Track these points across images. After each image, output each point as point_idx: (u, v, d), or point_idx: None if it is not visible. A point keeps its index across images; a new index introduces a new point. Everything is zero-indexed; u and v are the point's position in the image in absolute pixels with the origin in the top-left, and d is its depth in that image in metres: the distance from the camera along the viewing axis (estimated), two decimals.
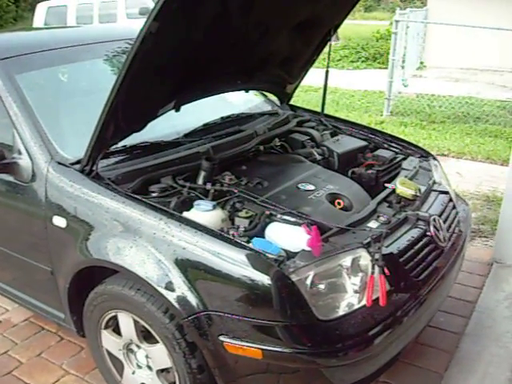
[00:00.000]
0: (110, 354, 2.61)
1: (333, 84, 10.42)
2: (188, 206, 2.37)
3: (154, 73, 2.31)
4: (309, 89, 10.17)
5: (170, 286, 2.13)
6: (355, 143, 3.33)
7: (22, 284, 3.02)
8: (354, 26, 19.85)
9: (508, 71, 12.06)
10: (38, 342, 3.21)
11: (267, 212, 2.33)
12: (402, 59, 9.68)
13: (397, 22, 8.65)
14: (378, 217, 2.48)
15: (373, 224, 2.42)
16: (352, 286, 2.16)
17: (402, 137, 3.67)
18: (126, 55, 2.10)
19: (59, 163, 2.51)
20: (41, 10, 13.61)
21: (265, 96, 3.81)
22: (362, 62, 15.22)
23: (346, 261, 2.17)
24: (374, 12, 34.86)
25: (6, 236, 2.91)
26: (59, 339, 3.23)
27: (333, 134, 3.47)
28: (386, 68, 9.08)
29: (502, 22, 8.47)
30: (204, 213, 2.29)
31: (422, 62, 13.76)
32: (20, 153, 2.59)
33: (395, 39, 8.57)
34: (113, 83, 2.16)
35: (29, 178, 2.57)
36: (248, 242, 2.15)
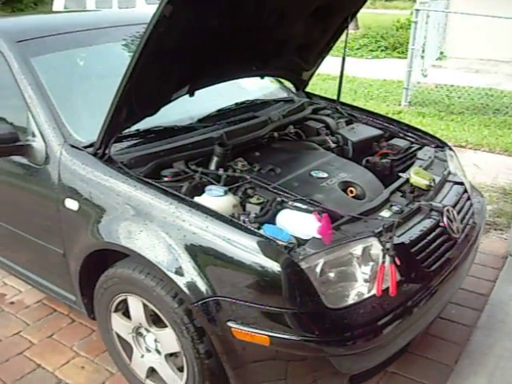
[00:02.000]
0: (119, 337, 2.62)
1: (351, 73, 10.35)
2: (200, 191, 2.37)
3: (168, 57, 2.30)
4: (327, 77, 10.10)
5: (179, 271, 2.13)
6: (370, 132, 3.30)
7: (34, 266, 3.05)
8: (375, 15, 19.63)
9: None
10: (49, 324, 3.24)
11: (279, 199, 2.32)
12: (421, 49, 9.56)
13: (417, 10, 8.54)
14: (391, 206, 2.46)
15: (385, 213, 2.40)
16: (362, 275, 2.14)
17: (419, 127, 3.62)
18: (140, 39, 2.09)
19: (72, 146, 2.52)
20: None
21: (280, 83, 3.79)
22: (382, 51, 15.07)
23: (357, 249, 2.15)
24: (394, 1, 34.49)
25: (19, 218, 2.93)
26: (70, 321, 3.26)
27: (348, 122, 3.44)
28: (406, 58, 8.98)
29: None
30: (215, 198, 2.29)
31: (441, 52, 13.58)
32: (34, 135, 2.61)
33: (415, 28, 8.46)
34: (126, 67, 2.16)
35: (42, 161, 2.58)
36: (259, 228, 2.14)
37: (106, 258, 2.50)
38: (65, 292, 2.85)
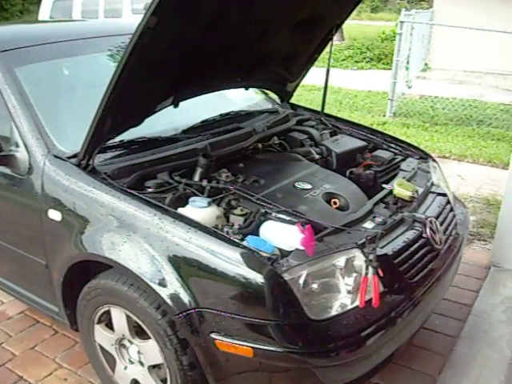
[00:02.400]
0: (102, 348, 2.60)
1: (336, 84, 10.41)
2: (183, 202, 2.36)
3: (152, 68, 2.30)
4: (312, 88, 10.15)
5: (162, 282, 2.12)
6: (354, 143, 3.32)
7: (16, 277, 3.02)
8: (360, 27, 19.83)
9: None
10: (32, 335, 3.20)
11: (262, 210, 2.32)
12: (406, 60, 9.64)
13: (402, 22, 8.63)
14: (374, 217, 2.47)
15: (368, 224, 2.41)
16: (345, 287, 2.15)
17: (404, 138, 3.67)
18: (124, 50, 2.09)
19: (56, 156, 2.50)
20: (46, 4, 13.58)
21: (265, 94, 3.80)
22: (367, 62, 15.20)
23: (340, 261, 2.16)
24: (380, 13, 34.82)
25: (1, 228, 2.90)
26: (53, 333, 3.23)
27: (332, 134, 3.45)
28: (391, 69, 9.05)
29: (508, 24, 8.44)
30: (199, 209, 2.29)
31: (426, 64, 13.72)
32: (17, 145, 2.59)
33: (400, 40, 8.56)
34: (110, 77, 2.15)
35: (25, 171, 2.57)
36: (242, 239, 2.14)
37: (88, 269, 2.48)
38: (47, 303, 2.82)
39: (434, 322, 3.17)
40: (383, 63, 14.71)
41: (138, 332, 2.40)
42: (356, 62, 15.26)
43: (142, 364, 2.47)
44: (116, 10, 12.29)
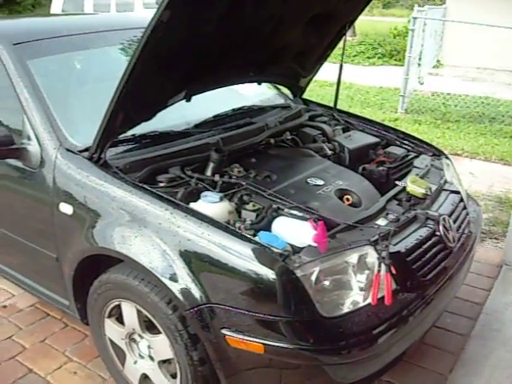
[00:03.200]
0: (112, 342, 2.60)
1: (348, 79, 10.36)
2: (195, 197, 2.35)
3: (165, 62, 2.28)
4: (324, 84, 10.11)
5: (173, 277, 2.12)
6: (367, 139, 3.30)
7: (27, 270, 3.03)
8: (372, 22, 19.76)
9: None
10: (42, 328, 3.21)
11: (274, 206, 2.31)
12: (418, 57, 9.60)
13: (414, 18, 8.57)
14: (387, 214, 2.45)
15: (381, 221, 2.39)
16: (357, 284, 2.14)
17: (415, 135, 3.62)
18: (137, 43, 2.08)
19: (68, 150, 2.50)
20: None
21: (278, 89, 3.78)
22: (379, 58, 15.13)
23: (353, 258, 2.14)
24: (392, 9, 34.65)
25: (13, 221, 2.91)
26: (63, 326, 3.24)
27: (345, 130, 3.43)
28: (403, 65, 9.00)
29: None
30: (211, 204, 2.28)
31: (438, 61, 13.64)
32: (29, 138, 2.59)
33: (412, 36, 8.50)
34: (123, 71, 2.14)
35: (37, 164, 2.56)
36: (254, 235, 2.13)
37: (99, 263, 2.48)
38: (58, 297, 2.82)
39: (446, 321, 3.15)
40: (395, 59, 14.63)
41: (149, 326, 2.40)
42: (368, 57, 15.20)
43: (151, 359, 2.47)
44: (128, 3, 12.32)
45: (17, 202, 2.80)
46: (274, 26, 2.75)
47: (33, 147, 2.57)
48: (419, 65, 9.86)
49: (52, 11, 13.61)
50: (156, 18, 1.99)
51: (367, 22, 19.33)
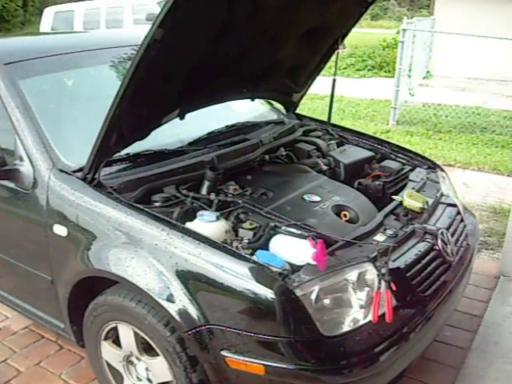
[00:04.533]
0: (109, 365, 2.57)
1: (339, 92, 10.30)
2: (191, 216, 2.33)
3: (159, 80, 2.27)
4: (315, 97, 10.14)
5: (171, 299, 2.09)
6: (362, 154, 3.29)
7: (21, 292, 2.98)
8: (361, 35, 19.80)
9: None
10: (37, 351, 3.16)
11: (272, 224, 2.29)
12: (408, 68, 9.63)
13: (404, 30, 8.62)
14: (385, 230, 2.44)
15: (379, 237, 2.38)
16: (358, 301, 2.11)
17: (407, 146, 3.63)
18: (130, 62, 2.07)
19: (61, 170, 2.47)
20: (48, 15, 13.64)
21: (271, 104, 3.77)
22: (369, 70, 15.18)
23: (352, 275, 2.12)
24: (380, 20, 34.84)
25: (6, 243, 2.87)
26: (59, 348, 3.19)
27: (339, 144, 3.43)
28: (393, 77, 9.04)
29: (509, 31, 8.42)
30: (207, 224, 2.25)
31: (428, 72, 13.71)
32: (21, 159, 2.56)
33: (402, 48, 8.54)
34: (116, 90, 2.13)
35: (30, 185, 2.53)
36: (252, 254, 2.11)
37: (95, 285, 2.44)
38: (53, 319, 2.78)
39: (445, 334, 3.12)
40: (385, 71, 14.69)
41: (146, 349, 2.36)
42: (358, 69, 15.25)
43: (150, 381, 2.43)
44: (117, 20, 12.34)
45: (10, 223, 2.76)
46: (268, 42, 2.75)
47: (25, 168, 2.54)
48: (409, 76, 9.90)
49: (41, 29, 13.63)
50: (149, 36, 1.98)
51: (356, 34, 19.38)
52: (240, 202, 2.45)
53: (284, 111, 3.74)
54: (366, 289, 2.13)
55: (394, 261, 2.26)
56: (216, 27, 2.33)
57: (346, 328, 2.07)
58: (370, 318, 2.09)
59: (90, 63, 3.09)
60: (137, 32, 3.66)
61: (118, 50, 3.23)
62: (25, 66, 2.82)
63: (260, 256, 2.08)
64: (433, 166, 3.27)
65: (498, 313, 3.39)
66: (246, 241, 2.22)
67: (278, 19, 2.63)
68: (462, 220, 2.89)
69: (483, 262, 4.05)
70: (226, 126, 3.18)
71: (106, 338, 2.50)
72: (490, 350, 3.04)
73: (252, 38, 2.65)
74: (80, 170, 2.44)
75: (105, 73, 3.18)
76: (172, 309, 2.08)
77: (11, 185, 2.62)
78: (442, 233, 2.52)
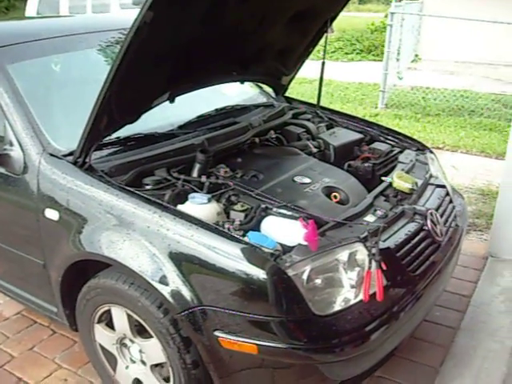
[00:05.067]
0: (103, 348, 2.58)
1: (327, 76, 10.26)
2: (182, 198, 2.34)
3: (149, 63, 2.27)
4: (303, 81, 10.12)
5: (164, 280, 2.10)
6: (351, 136, 3.30)
7: (13, 277, 2.99)
8: (349, 18, 19.75)
9: (503, 65, 12.02)
10: (30, 336, 3.17)
11: (263, 205, 2.30)
12: (396, 52, 9.64)
13: (392, 14, 8.62)
14: (375, 211, 2.46)
15: (370, 218, 2.40)
16: (349, 281, 2.13)
17: (396, 129, 3.64)
18: (120, 45, 2.06)
19: (51, 155, 2.47)
20: (33, 0, 13.47)
21: (260, 88, 3.77)
22: (357, 54, 15.16)
23: (343, 255, 2.14)
24: (368, 4, 34.76)
25: None
26: (51, 333, 3.20)
27: (329, 127, 3.44)
28: (381, 60, 9.05)
29: (498, 15, 8.43)
30: (199, 206, 2.26)
31: (416, 55, 13.71)
32: (11, 144, 2.55)
33: (390, 31, 8.54)
34: (106, 74, 2.12)
35: (20, 170, 2.53)
36: (243, 235, 2.12)
37: (87, 268, 2.45)
38: (45, 303, 2.79)
39: (435, 314, 3.16)
40: (373, 55, 14.68)
41: (140, 331, 2.38)
42: (346, 53, 15.22)
43: (143, 363, 2.45)
44: (104, 4, 12.19)
45: (1, 209, 2.75)
46: (257, 24, 2.75)
47: (15, 153, 2.53)
48: (398, 60, 9.91)
49: (27, 14, 13.46)
50: (139, 19, 1.97)
51: (344, 18, 19.24)
52: (231, 184, 2.46)
53: (273, 94, 3.74)
54: (357, 269, 2.15)
55: (384, 241, 2.28)
56: (205, 10, 2.32)
57: (337, 307, 2.09)
58: (360, 297, 2.12)
59: (79, 47, 3.06)
60: (124, 16, 3.64)
61: (106, 34, 3.20)
62: (13, 50, 2.80)
63: (252, 237, 2.09)
64: (422, 148, 3.29)
65: (487, 293, 3.43)
66: (238, 222, 2.22)
67: (267, 2, 2.63)
68: (450, 201, 2.92)
69: (472, 243, 4.10)
70: (216, 110, 3.18)
71: (99, 321, 2.51)
72: (479, 329, 3.08)
73: (241, 21, 2.64)
74: (70, 154, 2.43)
75: (94, 57, 3.16)
76: (165, 290, 2.09)
77: (1, 170, 2.61)
78: (431, 213, 2.54)
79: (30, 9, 13.24)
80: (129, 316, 2.35)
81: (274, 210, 2.27)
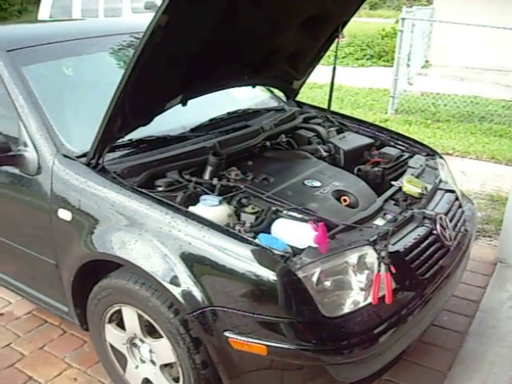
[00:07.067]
0: (113, 348, 2.60)
1: (337, 81, 10.30)
2: (194, 200, 2.36)
3: (162, 67, 2.30)
4: (314, 86, 10.14)
5: (175, 281, 2.12)
6: (361, 140, 3.32)
7: (25, 277, 3.02)
8: (359, 24, 19.75)
9: None
10: (40, 335, 3.20)
11: (273, 208, 2.32)
12: (407, 57, 9.65)
13: (403, 19, 8.62)
14: (385, 214, 2.47)
15: (379, 222, 2.41)
16: (358, 284, 2.15)
17: (406, 135, 3.65)
18: (134, 49, 2.09)
19: (65, 156, 2.50)
20: (46, 3, 13.55)
21: (271, 92, 3.80)
22: (367, 59, 15.17)
23: (353, 258, 2.16)
24: (379, 10, 34.78)
25: (10, 229, 2.90)
26: (62, 332, 3.23)
27: (339, 131, 3.45)
28: (391, 66, 9.06)
29: (508, 21, 8.43)
30: (210, 208, 2.28)
31: (427, 61, 13.72)
32: (26, 145, 2.58)
33: (401, 37, 8.55)
34: (120, 76, 2.15)
35: (34, 171, 2.56)
36: (254, 237, 2.14)
37: (99, 268, 2.48)
38: (57, 303, 2.82)
39: (443, 319, 3.16)
40: (384, 60, 14.68)
41: (150, 331, 2.40)
42: (357, 59, 15.24)
43: (153, 363, 2.47)
44: (116, 8, 12.27)
45: (14, 209, 2.79)
46: (269, 28, 2.77)
47: (29, 154, 2.57)
48: (408, 65, 9.91)
49: (40, 17, 13.56)
50: (154, 22, 2.00)
51: (355, 24, 19.28)
52: (242, 186, 2.48)
53: (284, 98, 3.76)
54: (366, 271, 2.17)
55: (393, 244, 2.29)
56: (219, 14, 2.35)
57: (346, 310, 2.11)
58: (370, 300, 2.13)
59: (92, 50, 3.11)
60: (136, 20, 3.67)
61: (118, 38, 3.25)
62: (28, 52, 2.84)
63: (262, 239, 2.11)
64: (431, 153, 3.30)
65: (495, 298, 3.43)
66: (249, 224, 2.24)
67: (280, 6, 2.65)
68: (460, 206, 2.93)
69: (481, 248, 4.09)
70: (228, 113, 3.21)
71: (110, 321, 2.54)
72: (488, 335, 3.08)
73: (254, 25, 2.66)
74: (84, 155, 2.46)
75: (106, 60, 3.21)
76: (176, 291, 2.11)
77: (16, 171, 2.64)
78: (440, 218, 2.55)
79: (43, 12, 13.34)
80: (139, 316, 2.37)
81: (285, 212, 2.29)
